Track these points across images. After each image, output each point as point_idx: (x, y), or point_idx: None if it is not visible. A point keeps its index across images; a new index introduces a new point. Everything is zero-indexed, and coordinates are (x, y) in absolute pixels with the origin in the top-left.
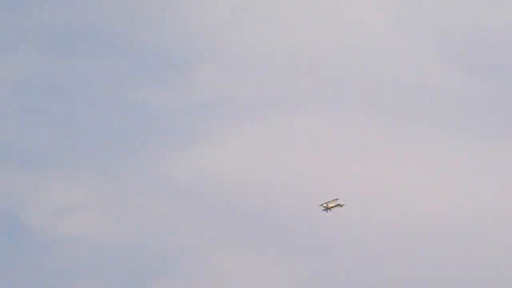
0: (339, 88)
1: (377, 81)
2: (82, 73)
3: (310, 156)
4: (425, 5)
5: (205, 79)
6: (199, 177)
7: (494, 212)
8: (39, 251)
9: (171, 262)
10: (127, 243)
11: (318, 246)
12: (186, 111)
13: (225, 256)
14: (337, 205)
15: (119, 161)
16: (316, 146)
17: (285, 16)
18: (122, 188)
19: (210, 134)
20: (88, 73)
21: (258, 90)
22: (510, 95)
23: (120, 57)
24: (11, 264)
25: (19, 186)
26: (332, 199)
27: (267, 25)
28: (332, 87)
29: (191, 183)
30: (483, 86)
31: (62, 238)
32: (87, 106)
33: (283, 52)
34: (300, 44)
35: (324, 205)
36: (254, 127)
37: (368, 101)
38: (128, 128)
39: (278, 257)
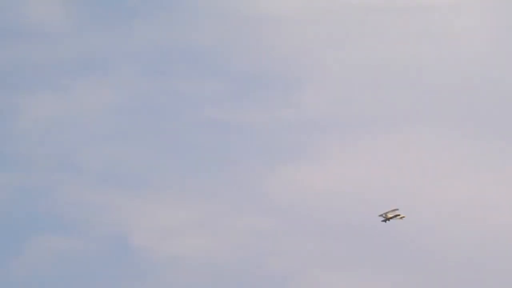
0: (439, 104)
1: (477, 97)
2: (183, 94)
3: (412, 172)
4: None
5: (308, 98)
6: (303, 195)
7: None
8: (147, 272)
9: (277, 282)
10: (233, 263)
11: (432, 262)
12: (288, 129)
13: (334, 275)
14: (396, 215)
15: (222, 180)
16: (418, 162)
17: (384, 33)
18: (226, 207)
19: (314, 152)
20: (190, 93)
21: (359, 107)
22: None
23: (222, 77)
24: (119, 286)
25: (126, 209)
26: (391, 209)
27: (364, 43)
28: (433, 103)
29: (295, 201)
30: None
31: (169, 259)
32: (188, 126)
33: (383, 70)
34: (399, 61)
35: (384, 215)
36: (357, 144)
37: (466, 117)
38: (231, 148)
39: (392, 275)
